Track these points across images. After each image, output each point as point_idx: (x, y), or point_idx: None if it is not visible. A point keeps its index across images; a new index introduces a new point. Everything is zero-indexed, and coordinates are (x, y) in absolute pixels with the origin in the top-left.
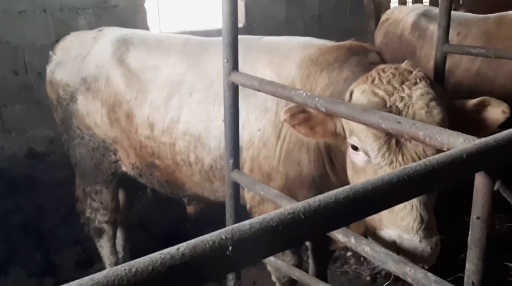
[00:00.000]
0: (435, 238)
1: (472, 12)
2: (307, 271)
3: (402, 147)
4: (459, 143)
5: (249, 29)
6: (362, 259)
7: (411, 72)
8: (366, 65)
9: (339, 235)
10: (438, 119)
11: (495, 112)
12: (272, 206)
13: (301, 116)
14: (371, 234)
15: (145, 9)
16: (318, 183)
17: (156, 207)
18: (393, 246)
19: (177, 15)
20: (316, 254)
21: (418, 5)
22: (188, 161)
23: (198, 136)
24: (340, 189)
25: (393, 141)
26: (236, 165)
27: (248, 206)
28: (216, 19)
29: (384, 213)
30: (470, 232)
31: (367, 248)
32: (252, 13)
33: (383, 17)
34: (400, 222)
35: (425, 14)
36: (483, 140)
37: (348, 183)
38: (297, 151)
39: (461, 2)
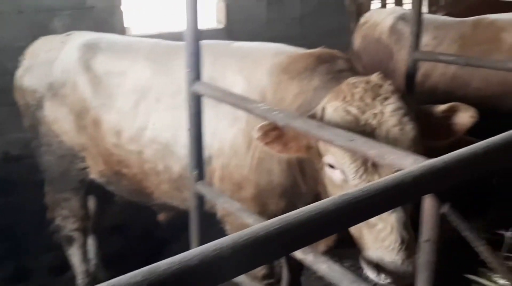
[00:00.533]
0: (415, 256)
1: (450, 15)
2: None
3: (378, 167)
4: (408, 164)
5: (230, 30)
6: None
7: (382, 86)
8: (335, 73)
9: (297, 253)
10: (411, 135)
11: (464, 117)
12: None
13: (274, 133)
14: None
15: (121, 11)
16: (289, 192)
17: (131, 211)
18: (376, 267)
19: (155, 16)
20: (289, 261)
21: (396, 8)
22: (156, 170)
23: (166, 144)
24: (292, 212)
25: (370, 162)
26: (201, 176)
27: (219, 214)
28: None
29: (366, 234)
30: (419, 255)
31: (324, 266)
32: (233, 14)
33: (362, 20)
34: (381, 243)
35: (402, 18)
36: (431, 161)
37: (318, 192)
38: (268, 160)
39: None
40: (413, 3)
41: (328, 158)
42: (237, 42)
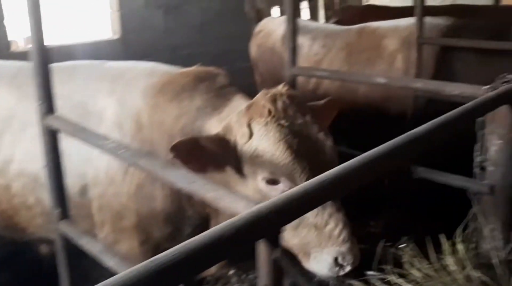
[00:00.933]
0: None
1: (341, 22)
2: None
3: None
4: (240, 208)
5: (126, 41)
6: (243, 276)
7: (294, 96)
8: (216, 91)
9: None
10: (330, 137)
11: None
12: (127, 244)
13: (193, 151)
14: (304, 259)
15: (5, 26)
16: (174, 217)
17: (16, 246)
18: (335, 262)
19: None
20: None
21: None
22: (26, 204)
23: (35, 176)
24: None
25: None
26: (64, 214)
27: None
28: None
29: (317, 237)
30: None
31: None
32: (129, 24)
33: (257, 28)
34: (337, 239)
35: None
36: (261, 206)
37: (207, 214)
38: (148, 186)
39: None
40: (287, 21)
41: (265, 173)
42: (111, 62)
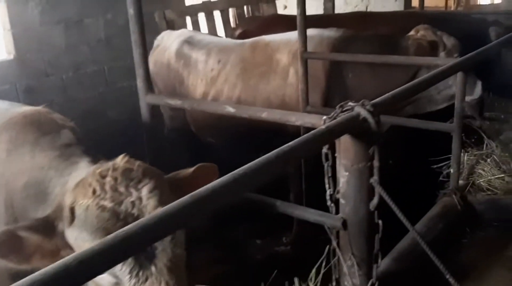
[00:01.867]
0: None
1: (247, 32)
2: None
3: (154, 257)
4: None
5: (22, 60)
6: None
7: (132, 170)
8: (61, 149)
9: None
10: None
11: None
12: None
13: (11, 244)
14: None
15: None
16: None
17: None
18: None
19: None
20: None
21: (184, 31)
22: None
23: None
24: None
25: (143, 256)
26: None
27: None
28: None
29: None
30: None
31: None
32: (24, 43)
33: (155, 43)
34: None
35: (188, 41)
36: None
37: None
38: None
39: (237, 23)
40: (135, 44)
41: None
42: None
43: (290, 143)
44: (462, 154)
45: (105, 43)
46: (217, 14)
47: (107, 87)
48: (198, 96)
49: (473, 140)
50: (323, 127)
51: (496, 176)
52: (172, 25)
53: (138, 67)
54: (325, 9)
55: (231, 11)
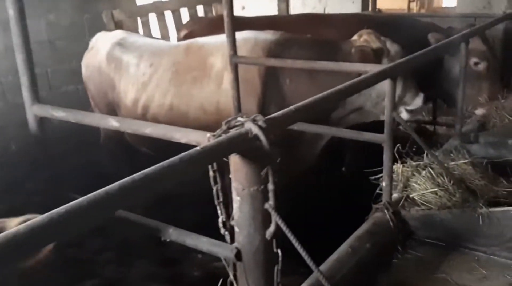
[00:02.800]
0: None
1: (192, 34)
2: None
3: None
4: None
5: None
6: None
7: None
8: None
9: None
10: None
11: None
12: None
13: None
14: None
15: None
16: None
17: None
18: None
19: None
20: None
21: (118, 32)
22: None
23: None
24: None
25: None
26: None
27: None
28: None
29: None
30: None
31: None
32: None
33: (89, 45)
34: None
35: (120, 43)
36: None
37: None
38: None
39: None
40: (17, 49)
41: None
42: None
43: (161, 164)
44: (399, 165)
45: (48, 45)
46: (168, 15)
47: (50, 91)
48: (129, 103)
49: (414, 149)
50: (199, 147)
51: (429, 190)
52: (121, 26)
53: (22, 74)
54: (279, 10)
55: (183, 12)
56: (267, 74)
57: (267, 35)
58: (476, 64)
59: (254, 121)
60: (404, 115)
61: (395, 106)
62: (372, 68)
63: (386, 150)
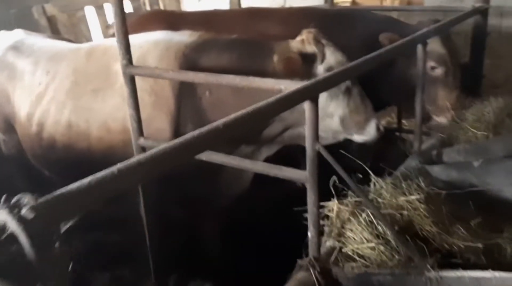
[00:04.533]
0: None
1: None
2: None
3: None
4: None
5: None
6: None
7: None
8: None
9: None
10: None
11: None
12: None
13: None
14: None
15: None
16: None
17: None
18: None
19: None
20: None
21: (17, 32)
22: None
23: None
24: None
25: None
26: None
27: None
28: None
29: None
30: None
31: None
32: None
33: None
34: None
35: (15, 47)
36: None
37: None
38: None
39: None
40: None
41: None
42: None
43: None
44: (335, 202)
45: None
46: (108, 8)
47: None
48: (23, 118)
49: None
50: None
51: (365, 245)
52: (54, 22)
53: None
54: (231, 3)
55: (126, 4)
56: (182, 84)
57: (183, 37)
58: (432, 68)
59: (12, 208)
60: (357, 138)
61: (317, 135)
62: (287, 86)
63: (310, 192)
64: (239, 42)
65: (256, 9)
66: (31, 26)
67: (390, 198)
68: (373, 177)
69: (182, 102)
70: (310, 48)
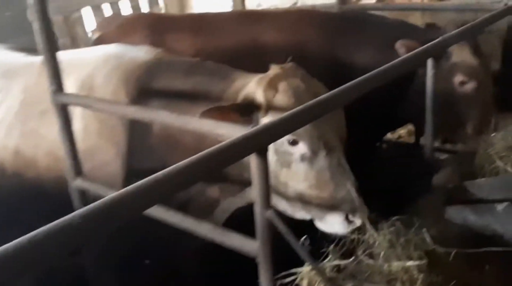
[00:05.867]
0: None
1: (105, 37)
2: None
3: None
4: None
5: None
6: None
7: None
8: None
9: None
10: None
11: None
12: None
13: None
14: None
15: None
16: None
17: None
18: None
19: None
20: None
21: None
22: None
23: None
24: None
25: None
26: None
27: None
28: None
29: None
30: None
31: None
32: None
33: None
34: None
35: None
36: None
37: None
38: None
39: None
40: None
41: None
42: None
43: None
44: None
45: None
46: (107, 8)
47: None
48: None
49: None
50: None
51: None
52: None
53: None
54: (234, 1)
55: (125, 4)
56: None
57: (139, 53)
58: (462, 83)
59: None
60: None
61: (268, 199)
62: (229, 132)
63: (262, 269)
64: (198, 67)
65: (250, 12)
66: (26, 29)
67: (382, 261)
68: (369, 227)
69: (132, 131)
70: (258, 95)
